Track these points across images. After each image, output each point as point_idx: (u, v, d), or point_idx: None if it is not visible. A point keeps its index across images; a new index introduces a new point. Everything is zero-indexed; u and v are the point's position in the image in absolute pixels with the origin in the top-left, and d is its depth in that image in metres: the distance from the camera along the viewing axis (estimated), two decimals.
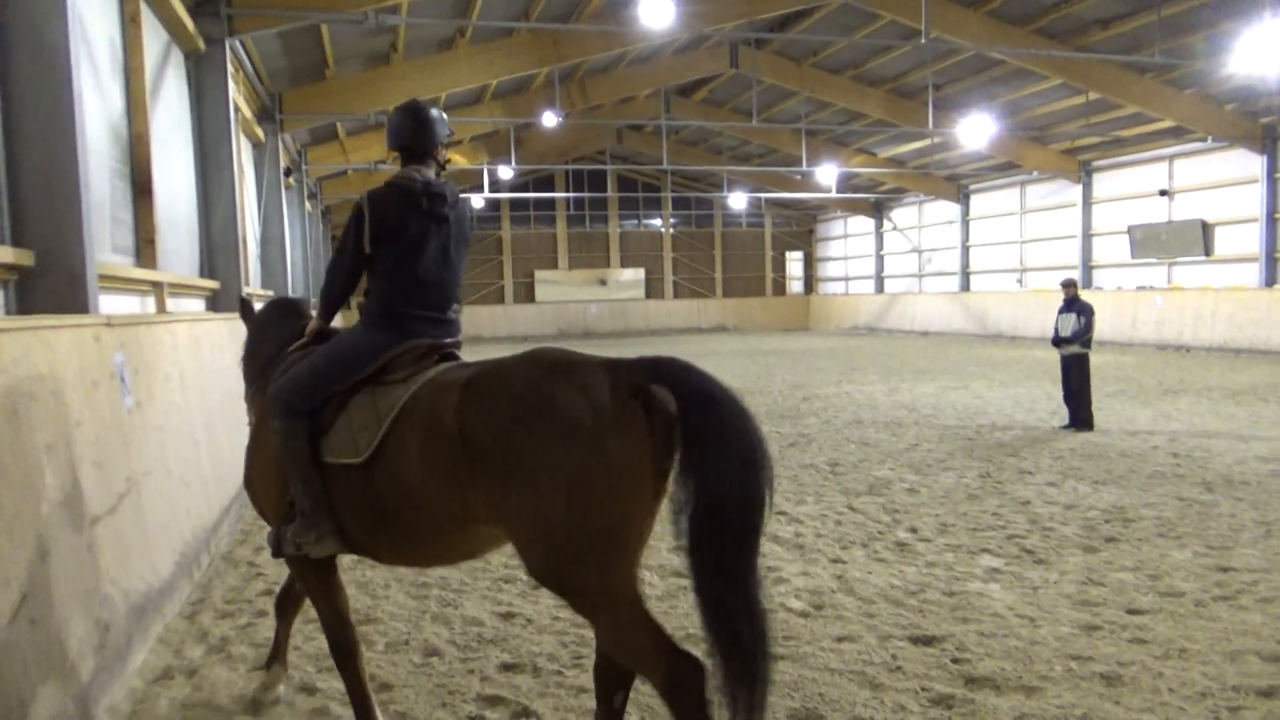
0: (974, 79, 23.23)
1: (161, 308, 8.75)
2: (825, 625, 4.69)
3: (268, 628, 4.87)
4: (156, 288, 8.70)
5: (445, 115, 3.71)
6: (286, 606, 4.13)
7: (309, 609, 4.09)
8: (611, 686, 3.18)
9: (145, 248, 8.65)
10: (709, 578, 2.78)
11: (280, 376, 3.57)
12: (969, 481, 8.07)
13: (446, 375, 3.21)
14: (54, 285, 5.54)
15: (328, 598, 3.55)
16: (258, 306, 4.40)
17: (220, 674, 4.31)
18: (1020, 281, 31.21)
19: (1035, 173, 29.08)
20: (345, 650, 3.53)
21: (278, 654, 4.10)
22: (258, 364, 3.99)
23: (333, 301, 3.67)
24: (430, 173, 3.57)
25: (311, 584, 3.57)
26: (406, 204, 3.46)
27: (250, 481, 3.75)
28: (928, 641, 4.44)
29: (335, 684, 4.13)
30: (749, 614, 2.75)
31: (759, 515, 2.80)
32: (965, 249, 33.92)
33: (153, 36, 9.50)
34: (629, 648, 2.85)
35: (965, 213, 33.81)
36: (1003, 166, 29.83)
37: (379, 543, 3.32)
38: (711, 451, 2.80)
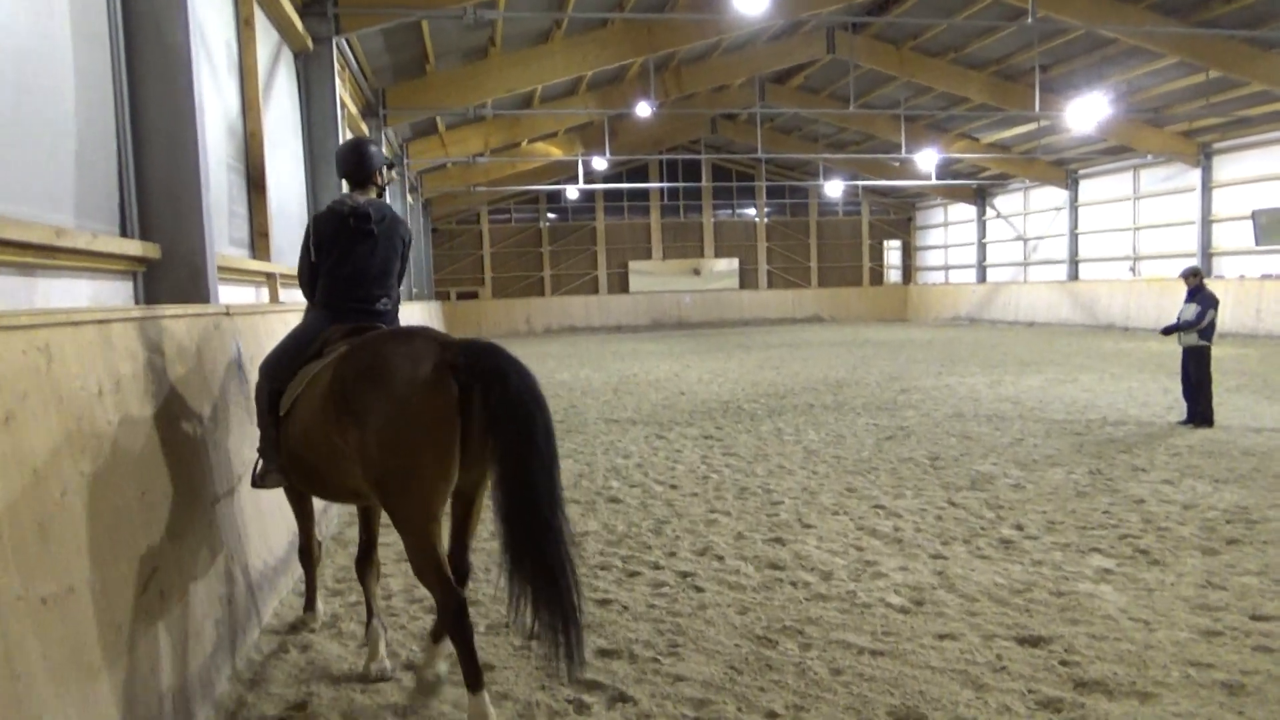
0: (1083, 59, 22.25)
1: (274, 297, 9.13)
2: (926, 622, 4.60)
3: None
4: (270, 278, 9.08)
5: (382, 148, 4.66)
6: (366, 571, 4.56)
7: (408, 589, 4.30)
8: (368, 579, 4.47)
9: (259, 240, 9.03)
10: (510, 530, 3.44)
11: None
12: (1078, 478, 7.78)
13: (345, 348, 3.98)
14: (178, 276, 5.83)
15: (300, 516, 4.76)
16: None
17: (331, 648, 4.49)
18: (1133, 270, 29.84)
19: (1150, 156, 27.72)
20: (308, 554, 4.82)
21: (372, 612, 4.44)
22: None
23: (306, 296, 4.66)
24: (371, 194, 4.52)
25: (291, 503, 4.76)
26: (337, 223, 4.39)
27: None
28: (1034, 642, 4.31)
29: (439, 663, 4.26)
30: (544, 564, 3.36)
31: (541, 480, 3.41)
32: (1074, 236, 32.62)
33: (265, 37, 9.89)
34: (418, 568, 3.64)
35: (1074, 199, 32.48)
36: (1114, 150, 28.53)
37: (300, 478, 4.19)
38: (501, 420, 3.45)
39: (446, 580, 3.56)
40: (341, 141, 11.92)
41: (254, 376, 5.45)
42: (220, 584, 4.26)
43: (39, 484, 2.84)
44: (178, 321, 4.46)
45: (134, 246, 5.52)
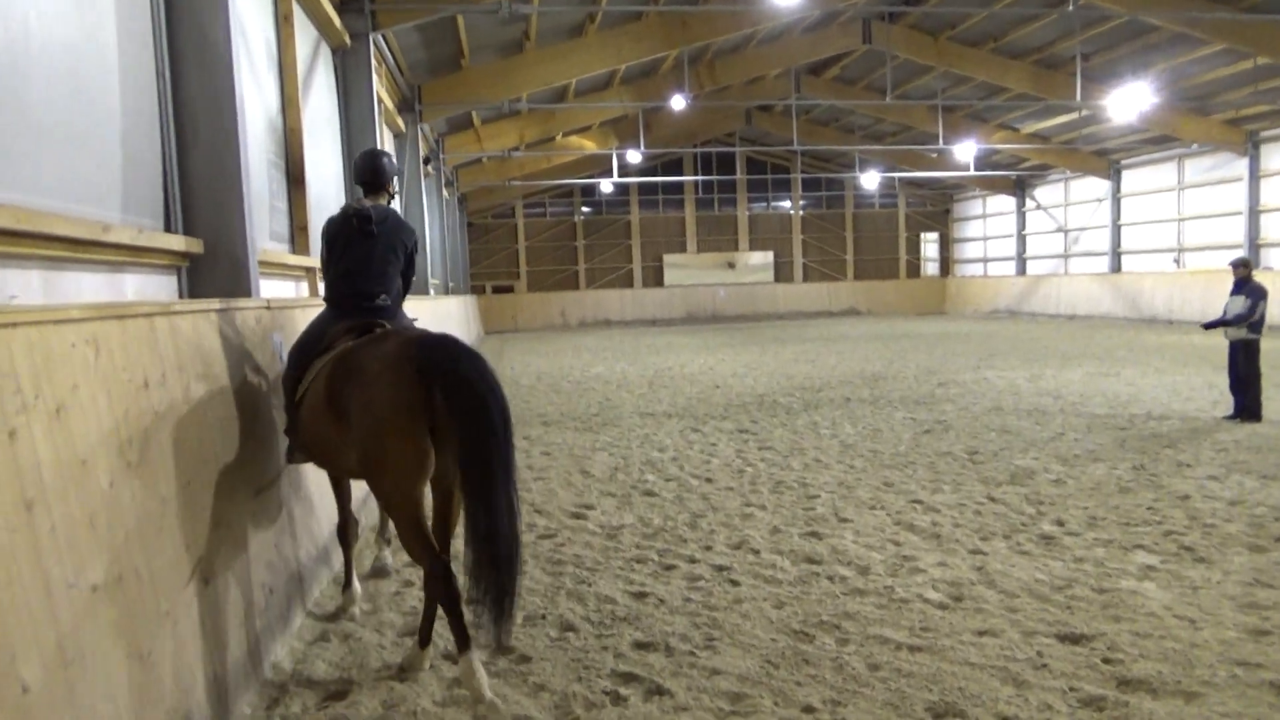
0: (1126, 46, 21.81)
1: (314, 292, 9.24)
2: (965, 618, 4.55)
3: (414, 596, 5.11)
4: (309, 273, 9.19)
5: (393, 158, 5.01)
6: (347, 536, 5.01)
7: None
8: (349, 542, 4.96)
9: (299, 235, 9.15)
10: (469, 505, 3.69)
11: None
12: (1121, 473, 7.65)
13: (342, 348, 4.37)
14: (220, 271, 5.94)
15: (338, 496, 4.96)
16: None
17: (371, 638, 4.54)
18: (1178, 261, 29.27)
19: (1195, 145, 27.14)
20: (345, 534, 4.97)
21: (349, 581, 4.91)
22: None
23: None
24: (382, 200, 4.90)
25: (331, 483, 4.99)
26: (343, 225, 4.76)
27: None
28: (1076, 639, 4.25)
29: (477, 653, 4.30)
30: (493, 540, 3.64)
31: (493, 461, 3.68)
32: (1116, 227, 32.04)
33: (303, 34, 10.01)
34: (406, 543, 3.94)
35: (1116, 189, 31.91)
36: (1158, 139, 27.97)
37: (315, 456, 4.54)
38: (455, 408, 3.71)
39: (430, 549, 3.89)
40: (377, 139, 12.05)
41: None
42: (263, 573, 4.33)
43: (88, 474, 2.90)
44: (220, 315, 4.53)
45: (178, 241, 5.62)
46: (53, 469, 2.70)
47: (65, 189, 4.53)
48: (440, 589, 3.80)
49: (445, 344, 3.90)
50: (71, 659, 2.58)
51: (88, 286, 4.74)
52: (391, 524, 4.74)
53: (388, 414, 3.78)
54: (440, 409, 3.75)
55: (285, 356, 5.42)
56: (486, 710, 3.65)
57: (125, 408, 3.25)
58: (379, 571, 5.46)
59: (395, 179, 5.03)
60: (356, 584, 5.01)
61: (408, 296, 5.22)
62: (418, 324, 5.05)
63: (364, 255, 4.72)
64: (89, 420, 2.98)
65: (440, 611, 4.01)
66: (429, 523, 3.97)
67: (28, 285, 4.13)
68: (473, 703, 3.70)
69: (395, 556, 5.72)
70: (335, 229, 4.79)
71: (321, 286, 5.14)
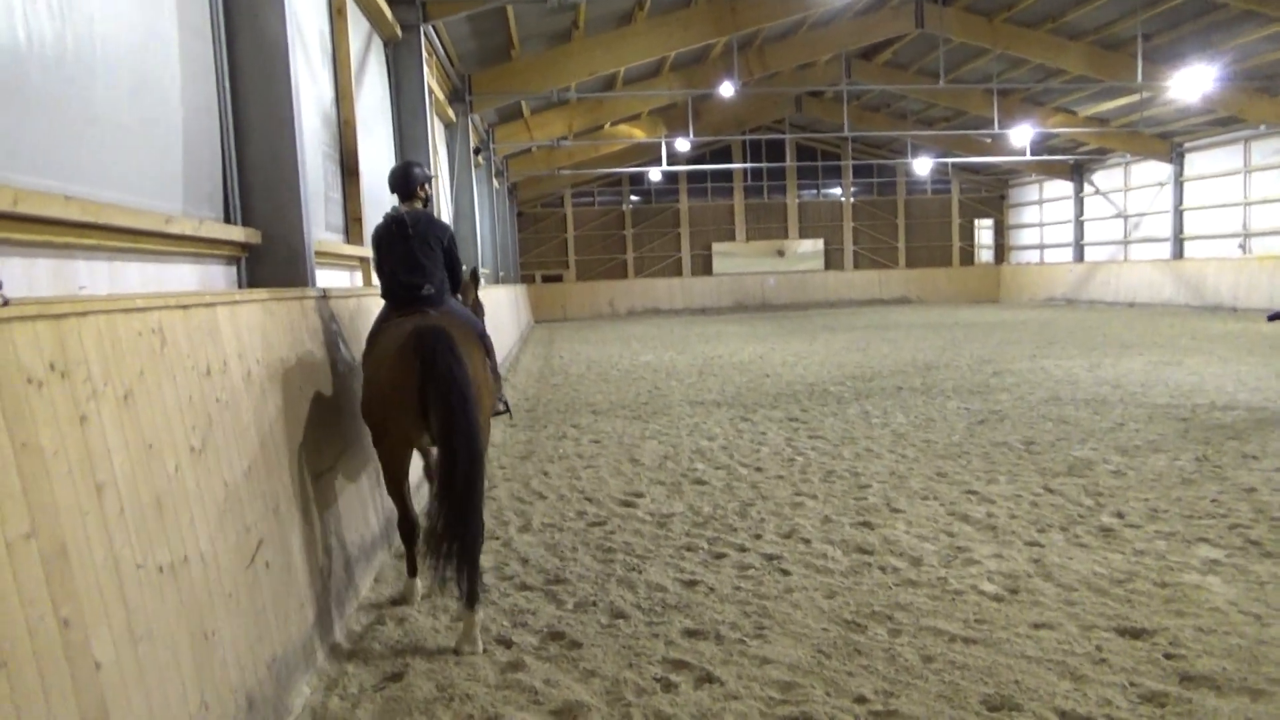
0: (1190, 25, 21.12)
1: (368, 281, 9.38)
2: (1021, 611, 4.48)
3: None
4: (363, 262, 9.33)
5: (423, 167, 5.60)
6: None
7: (498, 567, 4.40)
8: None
9: (353, 225, 9.28)
10: (440, 474, 4.39)
11: None
12: (1183, 465, 7.46)
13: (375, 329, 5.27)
14: (278, 261, 6.04)
15: (400, 490, 5.25)
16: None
17: (426, 622, 4.62)
18: (1243, 247, 28.36)
19: (1263, 126, 26.22)
20: (399, 497, 5.11)
21: (414, 571, 5.10)
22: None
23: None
24: (415, 205, 5.48)
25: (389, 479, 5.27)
26: (385, 231, 5.39)
27: None
28: (1137, 634, 4.16)
29: (529, 638, 4.35)
30: (456, 505, 4.26)
31: (458, 433, 4.29)
32: (1178, 213, 31.14)
33: (356, 26, 10.13)
34: (388, 491, 4.98)
35: (1178, 173, 31.00)
36: (1223, 121, 27.09)
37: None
38: (431, 387, 4.40)
39: (401, 498, 4.93)
40: (428, 130, 12.17)
41: (350, 357, 5.65)
42: (321, 557, 4.42)
43: (154, 458, 2.99)
44: (278, 304, 4.62)
45: (237, 232, 5.74)
46: (121, 453, 2.79)
47: (129, 182, 4.65)
48: (403, 536, 5.00)
49: (430, 333, 4.50)
50: (140, 637, 2.66)
51: (151, 276, 4.86)
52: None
53: (390, 388, 4.60)
54: (423, 381, 4.44)
55: (340, 345, 5.52)
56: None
57: (189, 394, 3.34)
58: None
59: (426, 183, 5.58)
60: (419, 579, 5.00)
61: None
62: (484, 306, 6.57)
63: (404, 254, 5.29)
64: (155, 406, 3.06)
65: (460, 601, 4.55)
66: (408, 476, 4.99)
67: (95, 276, 4.25)
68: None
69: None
70: (380, 234, 5.41)
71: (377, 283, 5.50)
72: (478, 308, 6.89)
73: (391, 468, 4.85)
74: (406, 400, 4.49)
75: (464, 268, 5.75)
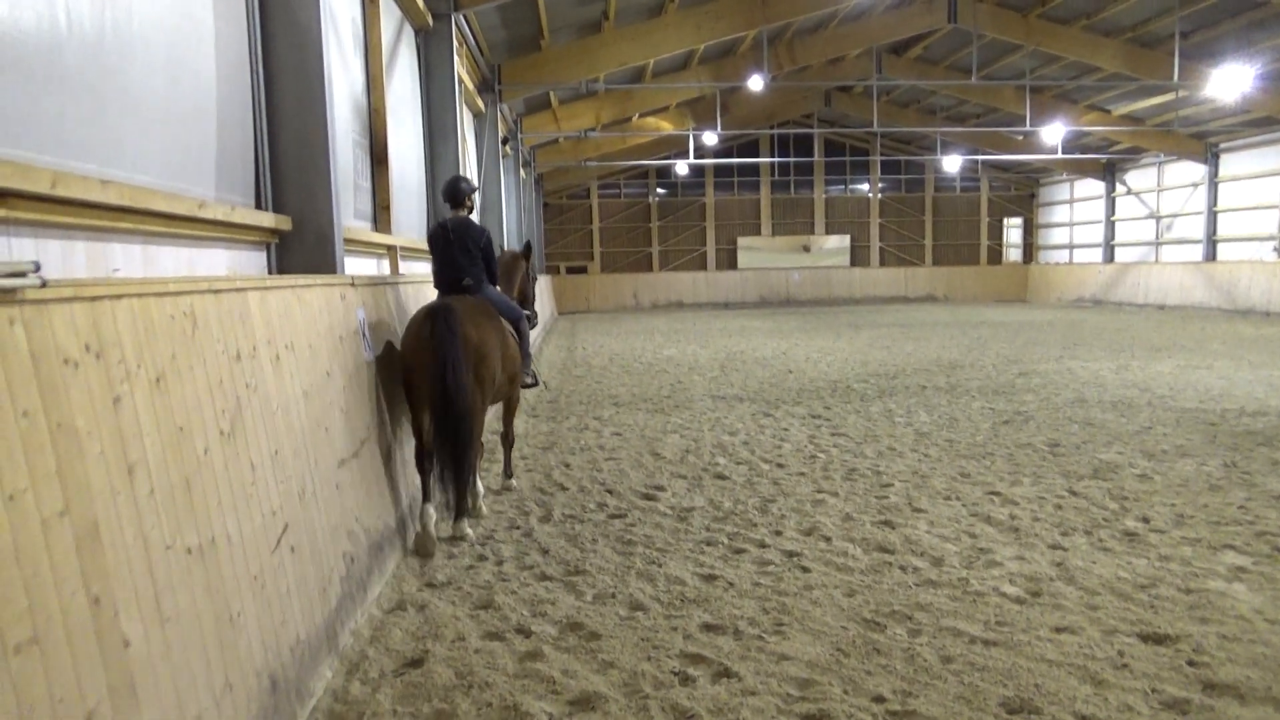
0: (1229, 24, 20.75)
1: (395, 269, 9.43)
2: (1043, 614, 4.45)
3: (488, 571, 5.21)
4: (390, 250, 9.38)
5: (469, 181, 6.84)
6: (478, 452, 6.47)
7: (518, 556, 4.41)
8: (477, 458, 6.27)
9: (381, 213, 9.34)
10: (438, 420, 5.59)
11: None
12: (1211, 470, 7.37)
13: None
14: (307, 247, 6.10)
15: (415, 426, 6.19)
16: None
17: (446, 610, 4.65)
18: (1278, 250, 27.90)
19: None
20: (418, 434, 6.02)
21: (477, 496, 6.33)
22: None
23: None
24: (460, 212, 6.74)
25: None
26: (435, 234, 6.71)
27: None
28: (1160, 640, 4.12)
29: (548, 628, 4.37)
30: (449, 446, 5.54)
31: (449, 389, 5.49)
32: (1212, 214, 30.67)
33: (388, 14, 10.16)
34: (413, 431, 5.92)
35: (1213, 174, 30.51)
36: (1261, 122, 26.62)
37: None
38: (439, 355, 5.54)
39: (419, 435, 5.86)
40: (457, 119, 12.21)
41: (376, 344, 5.70)
42: (345, 541, 4.46)
43: (184, 440, 3.03)
44: (308, 290, 4.66)
45: (268, 218, 5.79)
46: (153, 435, 2.83)
47: (164, 167, 4.70)
48: (418, 460, 5.89)
49: (442, 311, 5.65)
50: (168, 617, 2.71)
51: (183, 260, 4.92)
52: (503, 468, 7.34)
53: (413, 353, 5.72)
54: (430, 351, 5.59)
55: (368, 332, 5.56)
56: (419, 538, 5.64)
57: (219, 378, 3.38)
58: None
59: (471, 195, 6.82)
60: (430, 505, 5.75)
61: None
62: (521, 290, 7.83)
63: (446, 255, 6.63)
64: (185, 389, 3.10)
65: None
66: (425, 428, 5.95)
67: (130, 259, 4.31)
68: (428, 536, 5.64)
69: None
70: (431, 237, 6.76)
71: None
72: (527, 280, 7.87)
73: (415, 411, 5.84)
74: (422, 357, 5.62)
75: (512, 249, 7.09)
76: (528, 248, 8.04)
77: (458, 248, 6.54)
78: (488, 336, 5.94)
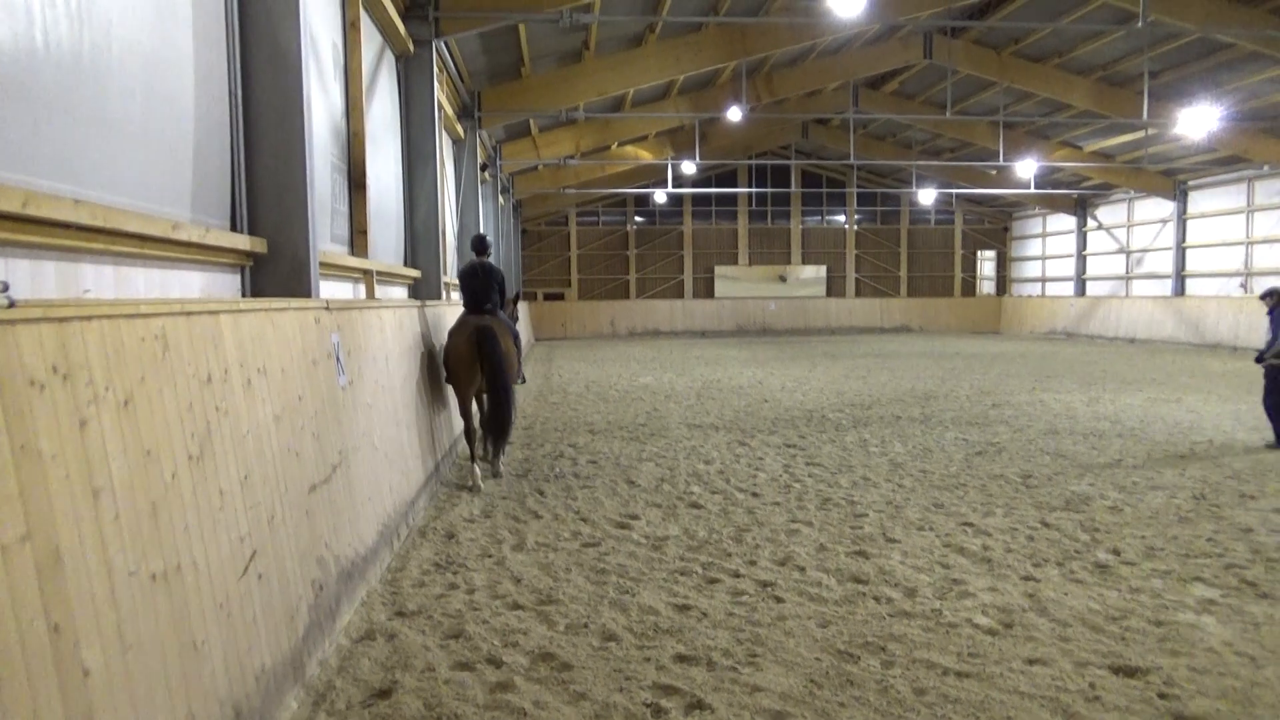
0: (1197, 65, 21.27)
1: (370, 293, 9.39)
2: (1015, 645, 4.46)
3: (459, 600, 5.16)
4: (366, 275, 9.34)
5: (489, 236, 10.41)
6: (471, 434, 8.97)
7: (490, 585, 4.36)
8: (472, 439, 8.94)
9: (358, 238, 9.31)
10: (490, 400, 8.58)
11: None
12: (1180, 503, 7.45)
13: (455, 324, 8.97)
14: (281, 271, 6.06)
15: (466, 412, 8.87)
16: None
17: (416, 639, 4.59)
18: (1245, 286, 28.42)
19: (1267, 167, 26.36)
20: (466, 418, 8.82)
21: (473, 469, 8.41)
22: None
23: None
24: (485, 258, 9.19)
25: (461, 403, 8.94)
26: (467, 271, 9.08)
27: None
28: (1130, 672, 4.14)
29: (519, 659, 4.33)
30: (496, 410, 8.54)
31: (495, 380, 8.40)
32: (1180, 250, 31.23)
33: (369, 40, 10.20)
34: (460, 413, 8.80)
35: (1181, 210, 31.11)
36: (1227, 160, 27.23)
37: (451, 380, 8.82)
38: (484, 356, 8.41)
39: (467, 414, 8.74)
40: (436, 146, 12.23)
41: (349, 369, 5.65)
42: (314, 569, 4.40)
43: (151, 465, 2.98)
44: (281, 314, 4.62)
45: (243, 241, 5.76)
46: (119, 459, 2.78)
47: (139, 188, 4.67)
48: (467, 434, 8.80)
49: (488, 331, 8.45)
50: (130, 645, 2.65)
51: (156, 282, 4.88)
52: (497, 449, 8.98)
53: (460, 356, 8.49)
54: (479, 355, 8.43)
55: (342, 357, 5.52)
56: (472, 486, 8.16)
57: (189, 401, 3.34)
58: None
59: (490, 247, 9.42)
60: (476, 464, 8.34)
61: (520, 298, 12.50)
62: (519, 311, 12.93)
63: (474, 286, 9.00)
64: (155, 413, 3.07)
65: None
66: (474, 404, 9.03)
67: (101, 280, 4.26)
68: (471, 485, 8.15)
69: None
70: (463, 273, 9.08)
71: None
72: (514, 313, 11.19)
73: (463, 400, 8.67)
74: (471, 361, 8.44)
75: (510, 293, 9.84)
76: (518, 296, 11.72)
77: (482, 282, 9.02)
78: (510, 347, 8.70)
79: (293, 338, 4.73)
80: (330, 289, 8.12)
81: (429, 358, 8.85)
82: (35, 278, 3.76)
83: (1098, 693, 3.93)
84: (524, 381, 10.35)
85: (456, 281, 16.79)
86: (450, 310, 10.91)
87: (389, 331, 7.19)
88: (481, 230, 18.15)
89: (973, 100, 27.12)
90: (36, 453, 2.38)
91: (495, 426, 8.52)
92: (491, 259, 9.76)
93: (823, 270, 41.89)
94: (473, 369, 8.39)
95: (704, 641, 4.53)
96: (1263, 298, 10.28)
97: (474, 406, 8.97)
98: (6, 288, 2.31)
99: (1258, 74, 20.93)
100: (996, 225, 43.02)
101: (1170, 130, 23.44)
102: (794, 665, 4.24)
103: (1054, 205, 37.04)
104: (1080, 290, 36.97)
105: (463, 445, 10.25)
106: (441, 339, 9.78)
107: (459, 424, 10.20)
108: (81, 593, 2.46)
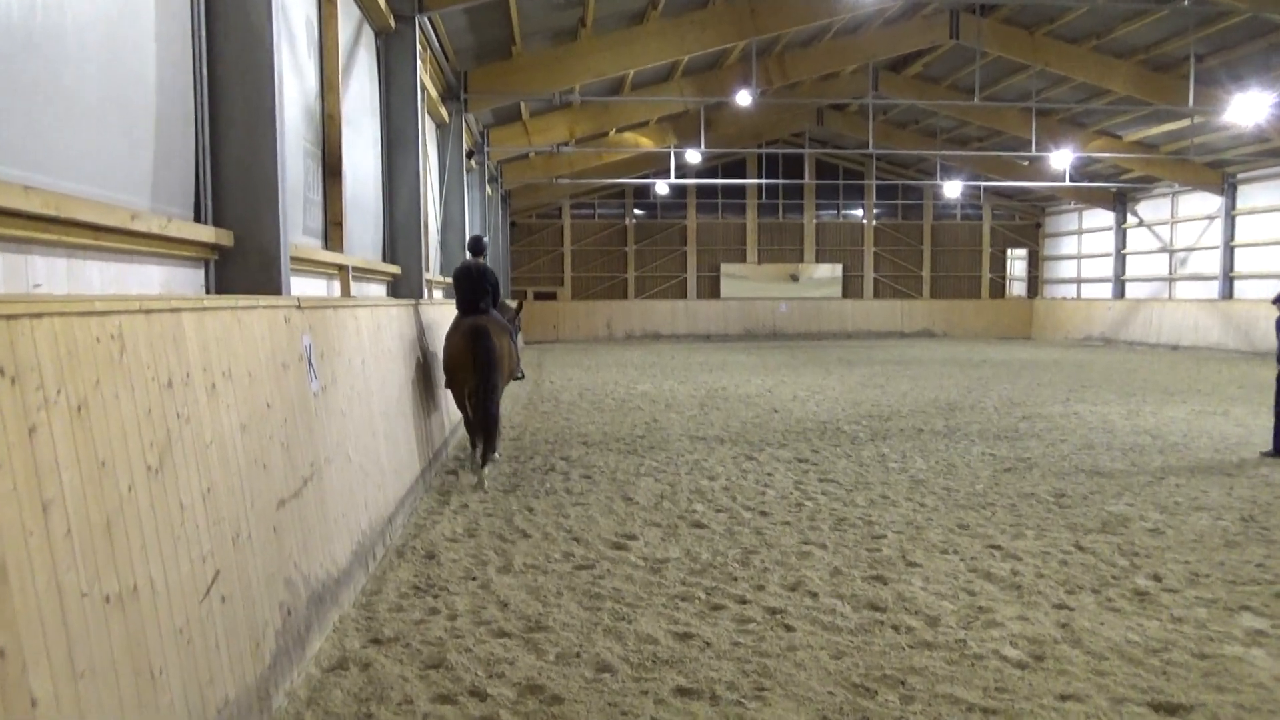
0: (1247, 47, 21.33)
1: (346, 291, 9.40)
2: (1046, 680, 4.47)
3: (439, 627, 5.16)
4: (342, 271, 9.36)
5: (486, 237, 13.50)
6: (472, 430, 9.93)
7: (474, 610, 4.36)
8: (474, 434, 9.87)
9: (333, 230, 9.32)
10: (477, 397, 9.45)
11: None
12: (1227, 525, 7.46)
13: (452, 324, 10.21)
14: (249, 265, 6.07)
15: (458, 403, 10.08)
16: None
17: (392, 669, 4.59)
18: None
19: None
20: (464, 410, 9.91)
21: (475, 460, 9.70)
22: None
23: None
24: (480, 259, 10.26)
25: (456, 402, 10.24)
26: (461, 271, 10.10)
27: None
28: (1172, 710, 4.15)
29: (505, 691, 4.33)
30: (482, 409, 9.38)
31: (482, 379, 9.32)
32: (1229, 249, 31.32)
33: (346, 14, 10.21)
34: (457, 406, 10.17)
35: (1230, 206, 31.21)
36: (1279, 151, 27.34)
37: (449, 379, 9.95)
38: (477, 357, 9.34)
39: (464, 409, 9.80)
40: (419, 129, 12.26)
41: (322, 373, 5.66)
42: (282, 591, 4.40)
43: (106, 476, 2.99)
44: (249, 313, 4.63)
45: (207, 233, 5.76)
46: (72, 469, 2.79)
47: (94, 173, 4.68)
48: (467, 425, 9.84)
49: (481, 331, 9.31)
50: (82, 672, 2.65)
51: (112, 277, 4.88)
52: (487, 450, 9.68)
53: (456, 355, 9.48)
54: (474, 356, 9.26)
55: (314, 360, 5.53)
56: (476, 485, 9.03)
57: (148, 407, 3.35)
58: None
59: (486, 248, 10.53)
60: (476, 451, 9.56)
61: (509, 297, 13.79)
62: (513, 306, 11.92)
63: (468, 286, 9.97)
64: (110, 419, 3.07)
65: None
66: (469, 400, 9.69)
67: (53, 273, 4.27)
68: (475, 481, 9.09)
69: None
70: (458, 274, 10.06)
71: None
72: (516, 318, 11.67)
73: (458, 396, 9.81)
74: (466, 359, 9.33)
75: (510, 300, 11.36)
76: (520, 306, 12.23)
77: (477, 283, 9.97)
78: (505, 344, 9.68)
79: (261, 339, 4.74)
80: (302, 286, 8.13)
81: (411, 362, 8.89)
82: None
83: None
84: (521, 376, 11.35)
85: (439, 279, 16.82)
86: (438, 310, 11.05)
87: (366, 333, 7.20)
88: (468, 224, 18.19)
89: (1003, 85, 27.20)
90: None
91: (482, 424, 9.30)
92: (487, 260, 10.79)
93: (838, 269, 41.96)
94: (467, 363, 9.32)
95: (707, 673, 4.54)
96: (1275, 302, 10.32)
97: (468, 403, 9.75)
98: None
99: None
100: (1028, 221, 43.11)
101: (1218, 118, 23.50)
102: (805, 700, 4.24)
103: (1091, 200, 37.14)
104: (1119, 292, 37.04)
105: (455, 443, 11.37)
106: (425, 341, 10.18)
107: (439, 437, 10.43)
108: (29, 614, 2.46)
